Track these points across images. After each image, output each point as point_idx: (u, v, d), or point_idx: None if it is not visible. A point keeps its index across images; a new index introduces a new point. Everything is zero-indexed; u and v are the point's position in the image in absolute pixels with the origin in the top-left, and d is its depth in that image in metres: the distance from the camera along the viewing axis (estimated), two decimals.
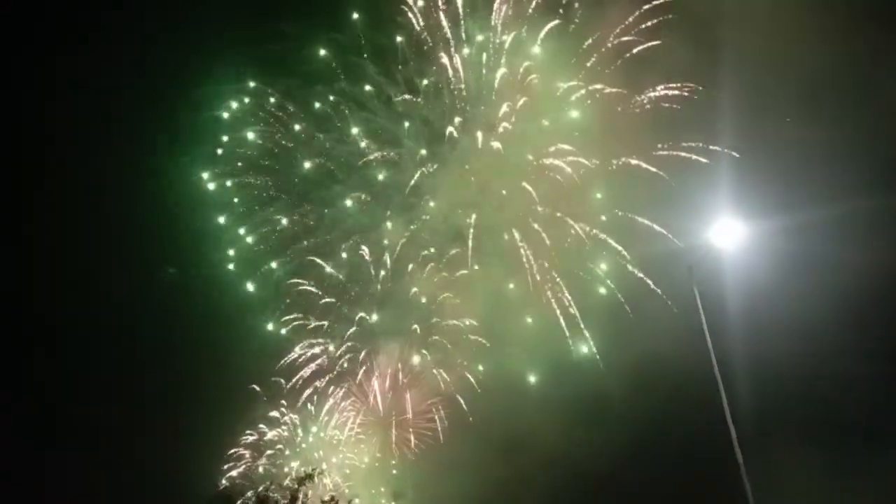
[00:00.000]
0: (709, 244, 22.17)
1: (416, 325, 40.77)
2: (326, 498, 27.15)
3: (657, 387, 31.70)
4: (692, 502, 31.36)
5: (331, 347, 40.77)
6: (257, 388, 40.14)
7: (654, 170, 35.07)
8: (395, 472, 39.06)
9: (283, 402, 39.90)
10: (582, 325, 36.50)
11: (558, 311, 37.16)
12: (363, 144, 41.13)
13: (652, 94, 35.83)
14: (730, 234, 21.76)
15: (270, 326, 41.25)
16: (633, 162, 35.73)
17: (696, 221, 23.74)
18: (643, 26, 35.97)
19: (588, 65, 37.28)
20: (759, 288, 28.71)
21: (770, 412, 28.50)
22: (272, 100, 42.52)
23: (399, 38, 39.80)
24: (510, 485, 36.06)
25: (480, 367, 39.19)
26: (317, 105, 42.30)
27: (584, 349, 36.14)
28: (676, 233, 33.19)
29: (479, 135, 39.12)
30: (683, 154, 34.73)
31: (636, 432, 32.48)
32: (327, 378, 40.28)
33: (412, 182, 40.11)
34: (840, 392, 28.85)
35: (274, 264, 42.10)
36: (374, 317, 40.90)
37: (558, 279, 37.53)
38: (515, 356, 38.91)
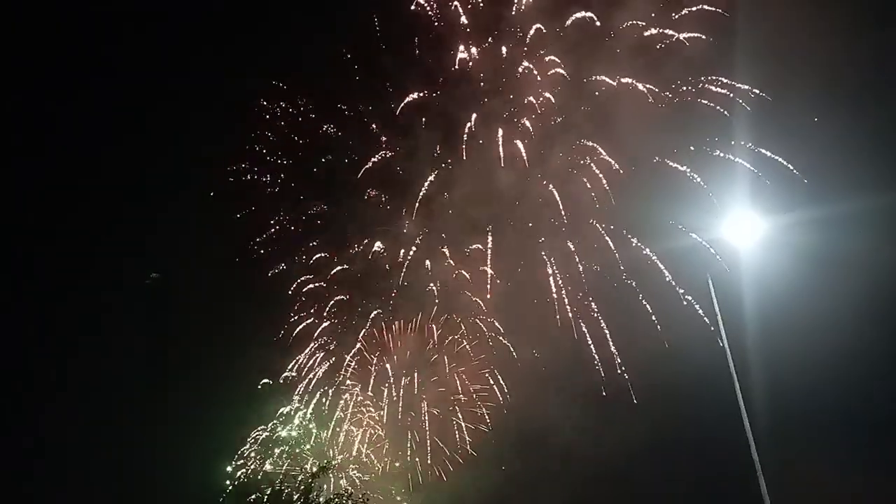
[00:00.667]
0: (728, 239, 22.95)
1: (433, 325, 41.65)
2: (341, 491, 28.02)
3: (675, 384, 32.52)
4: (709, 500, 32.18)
5: (344, 346, 41.67)
6: (270, 382, 40.99)
7: (684, 168, 35.62)
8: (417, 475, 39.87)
9: (296, 397, 40.82)
10: (610, 342, 37.07)
11: (581, 320, 37.97)
12: (380, 139, 41.78)
13: (681, 89, 36.38)
14: (751, 230, 22.53)
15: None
16: (666, 161, 36.27)
17: (724, 218, 24.37)
18: (672, 18, 36.54)
19: (615, 58, 37.89)
20: (782, 284, 29.35)
21: (789, 408, 29.17)
22: (283, 94, 42.96)
23: (415, 29, 40.25)
24: (527, 482, 37.13)
25: (500, 378, 39.98)
26: (329, 98, 42.95)
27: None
28: (706, 231, 33.65)
29: (500, 131, 39.79)
30: (716, 152, 35.26)
31: (654, 431, 33.35)
32: (340, 376, 41.24)
33: (430, 178, 40.94)
34: (860, 390, 29.45)
35: (284, 265, 42.83)
36: (390, 313, 41.79)
37: (583, 277, 38.24)
38: (536, 360, 39.70)
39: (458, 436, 40.09)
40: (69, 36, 44.66)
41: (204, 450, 39.39)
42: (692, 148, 35.67)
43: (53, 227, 45.26)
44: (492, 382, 40.30)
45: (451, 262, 41.35)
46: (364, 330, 41.70)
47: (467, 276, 40.88)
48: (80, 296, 44.27)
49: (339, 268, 42.30)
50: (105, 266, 44.63)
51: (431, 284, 41.01)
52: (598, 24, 37.82)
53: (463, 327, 41.23)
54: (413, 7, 39.72)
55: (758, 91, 33.61)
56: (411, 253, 41.56)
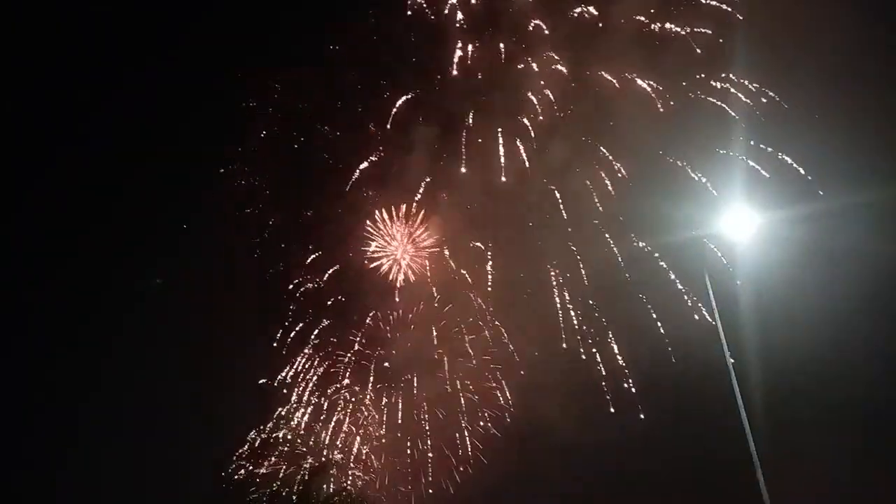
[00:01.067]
0: (734, 235, 23.53)
1: (433, 326, 42.24)
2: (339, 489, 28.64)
3: (675, 381, 33.31)
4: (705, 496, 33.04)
5: (342, 346, 42.29)
6: (266, 382, 41.56)
7: (684, 165, 36.18)
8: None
9: (294, 398, 41.44)
10: (612, 341, 37.67)
11: (582, 318, 38.60)
12: (376, 137, 42.14)
13: (682, 84, 36.84)
14: (752, 225, 23.12)
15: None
16: (667, 157, 36.76)
17: (727, 214, 25.03)
18: (673, 12, 37.00)
19: (615, 54, 38.32)
20: (783, 280, 30.02)
21: (786, 405, 29.90)
22: (276, 91, 43.31)
23: (412, 26, 40.62)
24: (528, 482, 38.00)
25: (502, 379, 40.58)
26: (325, 97, 43.33)
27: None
28: (707, 226, 34.14)
29: (499, 128, 40.27)
30: (717, 148, 35.82)
31: (653, 427, 34.22)
32: (339, 377, 41.91)
33: (427, 177, 41.52)
34: (858, 385, 30.13)
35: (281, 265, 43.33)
36: (388, 314, 42.40)
37: (584, 275, 38.82)
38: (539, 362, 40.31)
39: (458, 438, 40.81)
40: (69, 36, 45.33)
41: (201, 451, 40.12)
42: (693, 144, 36.28)
43: (50, 228, 45.94)
44: (493, 384, 41.04)
45: (451, 262, 42.00)
46: (362, 330, 42.45)
47: (467, 275, 41.58)
48: (78, 297, 44.96)
49: (335, 267, 42.90)
50: (104, 267, 45.25)
51: (430, 284, 41.72)
52: (598, 21, 38.28)
53: (463, 328, 41.93)
54: (409, 4, 40.17)
55: (758, 86, 34.31)
56: (409, 253, 42.28)
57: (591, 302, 38.55)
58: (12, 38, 41.04)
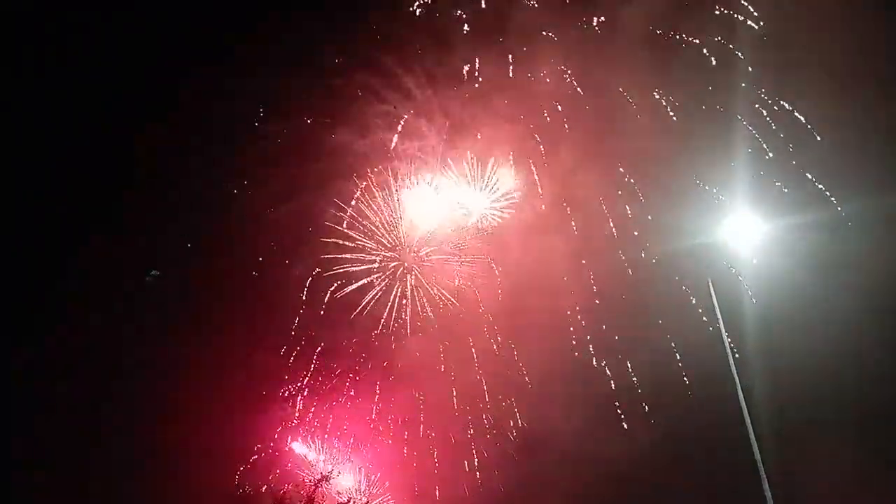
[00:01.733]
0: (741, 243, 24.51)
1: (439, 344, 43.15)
2: (344, 499, 29.46)
3: (681, 387, 34.27)
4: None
5: (346, 358, 43.14)
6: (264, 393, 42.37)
7: (693, 175, 37.12)
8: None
9: (297, 413, 42.33)
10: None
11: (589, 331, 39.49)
12: (387, 140, 42.90)
13: (690, 91, 37.71)
14: (756, 233, 24.14)
15: None
16: (674, 164, 37.60)
17: (735, 221, 26.02)
18: (681, 20, 37.92)
19: (621, 61, 39.22)
20: (792, 287, 30.92)
21: (791, 410, 30.72)
22: (284, 96, 43.94)
23: (417, 32, 41.43)
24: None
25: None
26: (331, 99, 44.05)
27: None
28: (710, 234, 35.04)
29: (505, 135, 41.20)
30: (724, 156, 36.69)
31: (659, 434, 35.15)
32: (345, 389, 42.79)
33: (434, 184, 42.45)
34: (863, 391, 30.94)
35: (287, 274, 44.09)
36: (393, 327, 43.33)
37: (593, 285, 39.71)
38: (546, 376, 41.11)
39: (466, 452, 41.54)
40: (70, 39, 46.26)
41: (203, 468, 40.78)
42: (702, 152, 37.18)
43: (49, 227, 46.58)
44: (501, 397, 41.86)
45: (458, 274, 42.91)
46: (366, 343, 43.26)
47: (473, 287, 42.52)
48: (78, 296, 45.53)
49: (339, 281, 43.75)
50: (103, 271, 45.85)
51: (435, 295, 42.64)
52: (607, 29, 39.17)
53: (470, 340, 42.78)
54: (414, 9, 41.01)
55: (767, 94, 35.29)
56: (415, 264, 43.17)
57: (597, 302, 39.50)
58: (12, 37, 42.02)
